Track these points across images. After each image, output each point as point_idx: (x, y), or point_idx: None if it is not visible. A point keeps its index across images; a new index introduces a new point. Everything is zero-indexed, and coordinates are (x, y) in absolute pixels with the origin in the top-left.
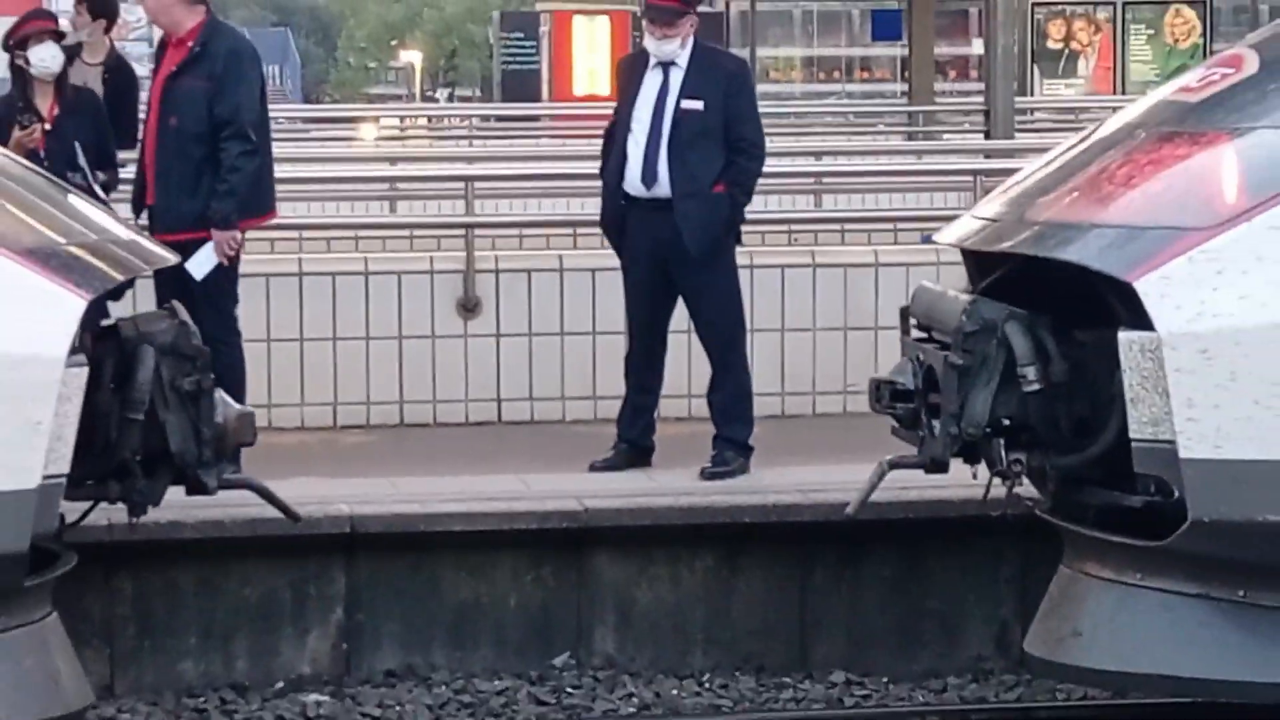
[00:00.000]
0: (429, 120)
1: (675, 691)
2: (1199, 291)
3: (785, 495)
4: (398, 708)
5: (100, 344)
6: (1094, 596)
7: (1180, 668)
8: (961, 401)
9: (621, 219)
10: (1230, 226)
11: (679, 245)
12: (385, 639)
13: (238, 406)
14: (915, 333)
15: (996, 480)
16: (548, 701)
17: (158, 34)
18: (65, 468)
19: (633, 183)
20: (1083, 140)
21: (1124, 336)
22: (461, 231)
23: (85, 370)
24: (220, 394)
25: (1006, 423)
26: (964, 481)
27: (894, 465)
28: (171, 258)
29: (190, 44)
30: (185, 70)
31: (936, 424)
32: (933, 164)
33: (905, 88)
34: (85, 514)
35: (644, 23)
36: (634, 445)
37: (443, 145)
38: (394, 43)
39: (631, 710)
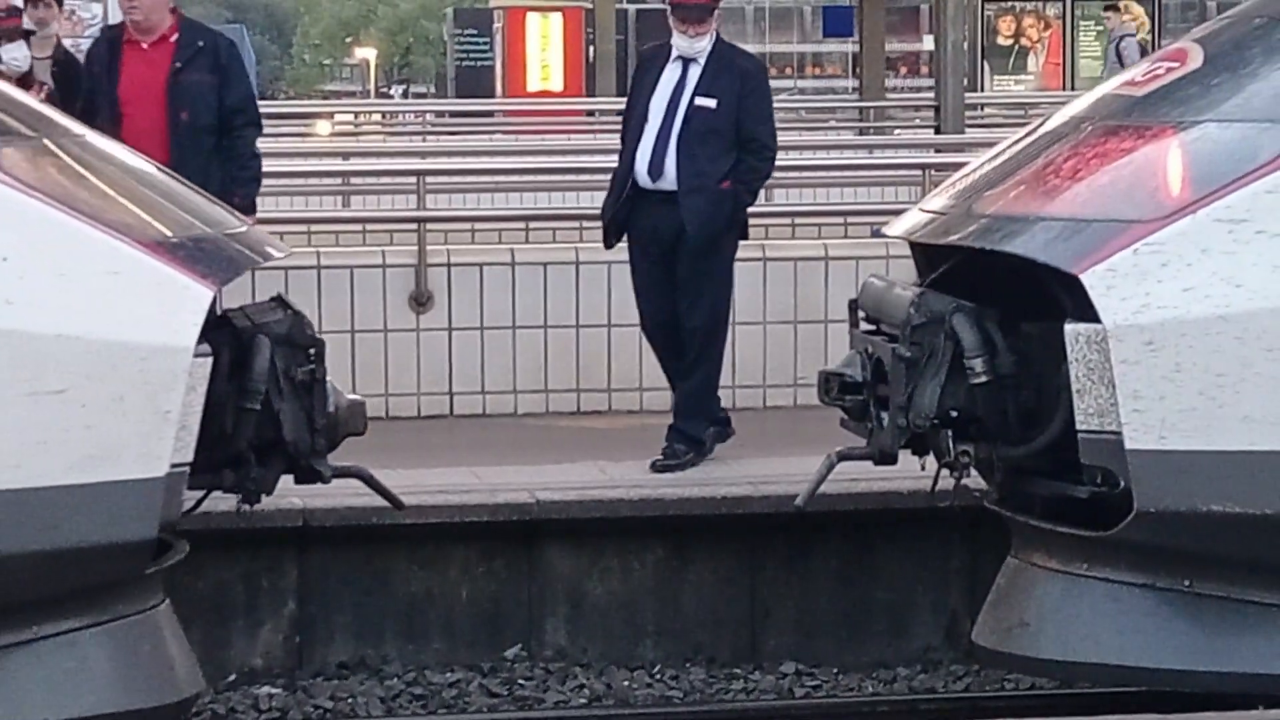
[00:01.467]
0: (383, 116)
1: (626, 683)
2: (1144, 284)
3: (735, 488)
4: (350, 700)
5: (214, 335)
6: (1041, 587)
7: (1126, 657)
8: (909, 393)
9: (628, 210)
10: (1175, 219)
11: (682, 237)
12: (337, 631)
13: (349, 396)
14: (864, 325)
15: (945, 472)
16: (499, 693)
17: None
18: (190, 456)
19: (642, 175)
20: (1029, 134)
21: (1070, 328)
22: (414, 226)
23: (210, 360)
24: (331, 383)
25: (954, 414)
26: (912, 473)
27: (843, 457)
28: (280, 250)
29: (172, 40)
30: (190, 65)
31: (885, 416)
32: (883, 159)
33: (856, 83)
34: (199, 503)
35: (671, 20)
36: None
37: (396, 141)
38: (349, 39)
39: (583, 701)
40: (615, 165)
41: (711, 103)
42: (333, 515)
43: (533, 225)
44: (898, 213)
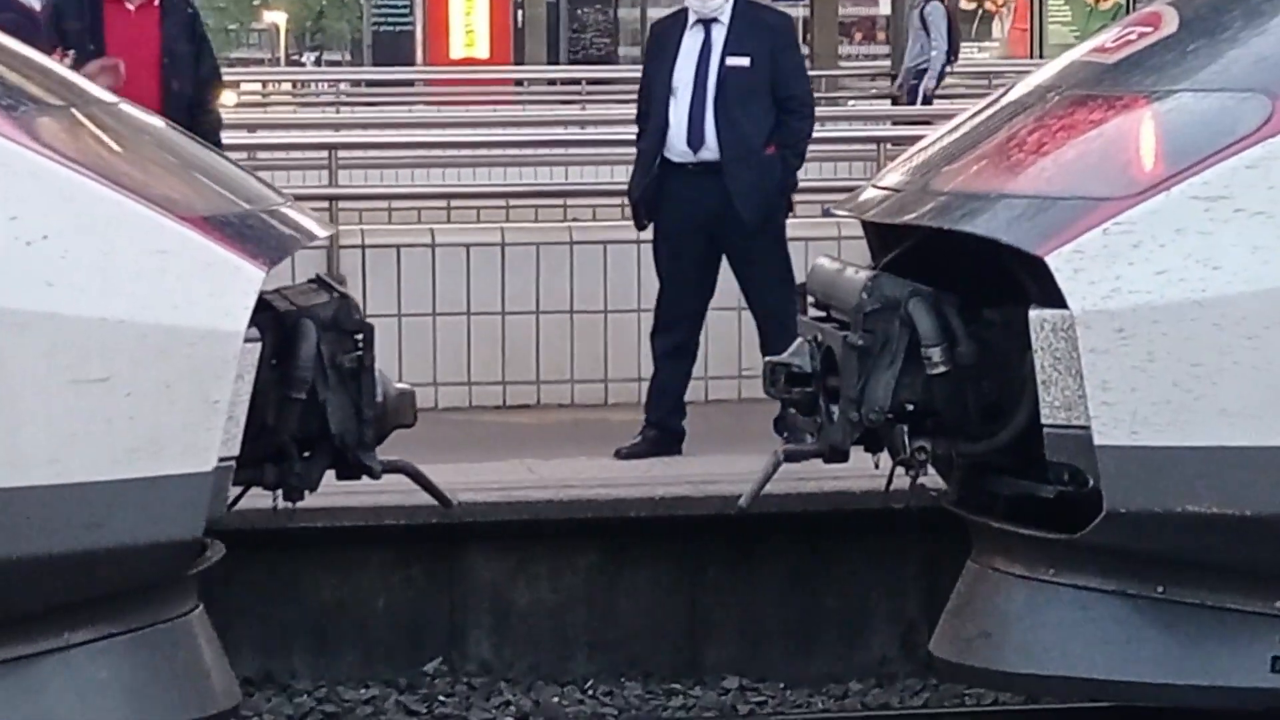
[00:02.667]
0: (293, 86)
1: (556, 699)
2: (1114, 266)
3: (674, 488)
4: (256, 718)
5: (256, 319)
6: (1003, 594)
7: (1095, 669)
8: (862, 385)
9: (656, 189)
10: (1148, 197)
11: (728, 212)
12: (243, 644)
13: (398, 385)
14: (813, 311)
15: (900, 470)
16: (418, 711)
17: None
18: (237, 450)
19: (676, 148)
20: (992, 104)
21: (1035, 315)
22: (325, 204)
23: (259, 346)
24: (380, 372)
25: (910, 408)
26: (865, 471)
27: (789, 455)
28: (324, 228)
29: (156, 4)
30: (179, 34)
31: (835, 409)
32: (835, 131)
33: (807, 50)
34: (236, 500)
35: None
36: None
37: (307, 112)
38: (256, 3)
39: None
40: (590, 137)
41: (745, 61)
42: (236, 517)
43: (455, 204)
44: (850, 190)
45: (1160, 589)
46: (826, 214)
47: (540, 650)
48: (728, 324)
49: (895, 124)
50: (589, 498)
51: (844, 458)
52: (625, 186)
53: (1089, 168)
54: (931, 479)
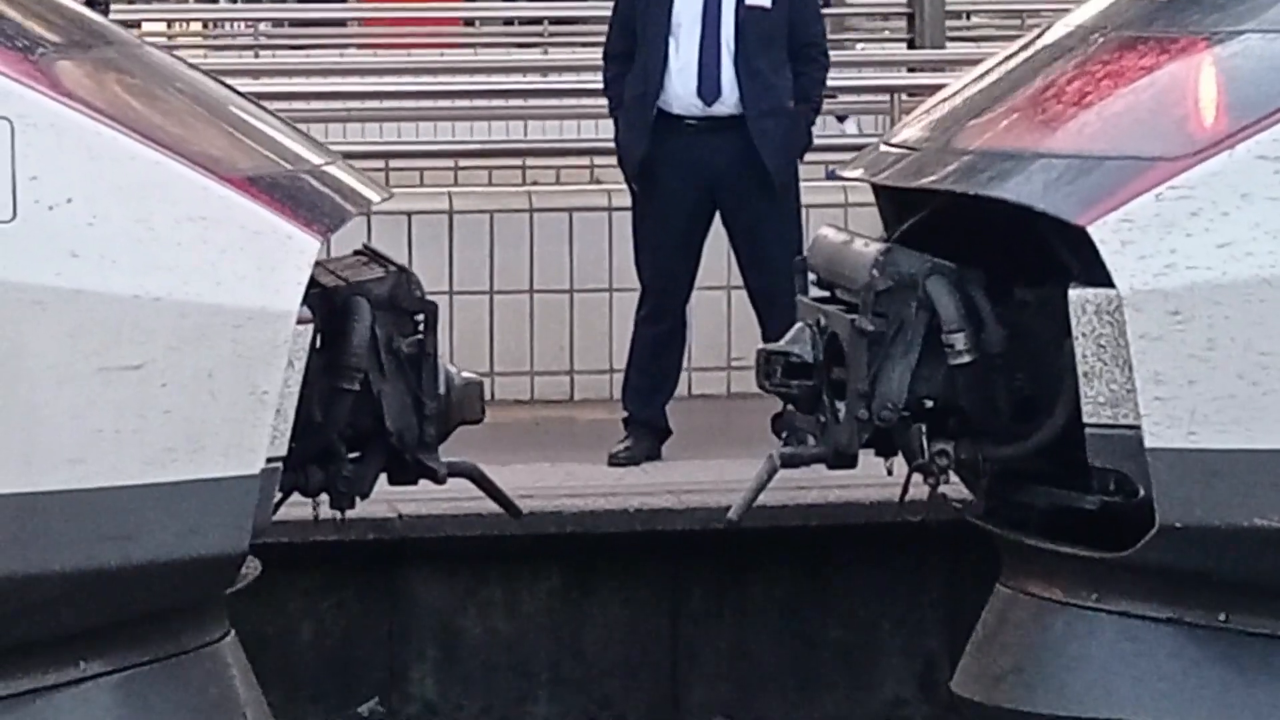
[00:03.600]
0: (204, 26)
1: None
2: (1169, 238)
3: (652, 498)
4: None
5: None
6: (1039, 623)
7: (1146, 710)
8: (873, 377)
9: (648, 146)
10: (1208, 156)
11: (739, 173)
12: None
13: (464, 374)
14: (815, 291)
15: (917, 477)
16: None
17: None
18: (285, 449)
19: (683, 99)
20: (1025, 48)
21: (1076, 294)
22: None
23: (311, 329)
24: (443, 359)
25: (929, 404)
26: (876, 479)
27: (788, 460)
28: (379, 191)
29: None
30: None
31: (841, 406)
32: (843, 79)
33: None
34: (276, 507)
35: None
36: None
37: (220, 57)
38: None
39: None
40: (570, 85)
41: (765, 1)
42: None
43: (394, 164)
44: (859, 148)
45: (1223, 617)
46: (831, 177)
47: (494, 689)
48: (714, 307)
49: (912, 71)
50: (553, 510)
51: (851, 463)
52: (592, 144)
53: (1139, 122)
54: (954, 488)
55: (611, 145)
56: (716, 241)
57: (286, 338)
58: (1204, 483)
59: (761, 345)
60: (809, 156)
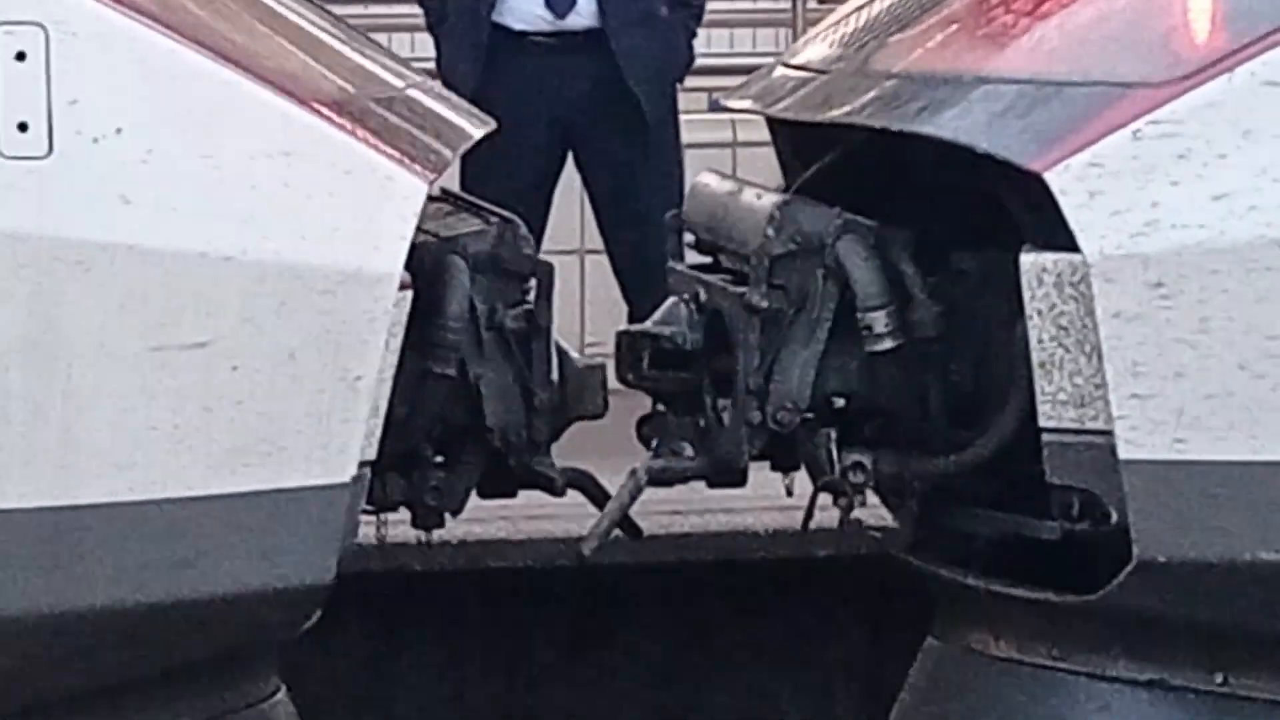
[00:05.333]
0: None
1: None
2: (1150, 187)
3: (481, 525)
4: None
5: None
6: (983, 686)
7: None
8: (767, 369)
9: (484, 71)
10: (1200, 82)
11: (599, 103)
12: None
13: (580, 357)
14: (693, 257)
15: (825, 498)
16: None
17: None
18: (375, 451)
19: (526, 10)
20: None
21: (1029, 260)
22: None
23: (410, 296)
24: (557, 338)
25: (840, 403)
26: (773, 501)
27: (657, 475)
28: (480, 121)
29: None
30: None
31: (726, 405)
32: None
33: None
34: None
35: None
36: None
37: None
38: None
39: None
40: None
41: None
42: None
43: None
44: (752, 70)
45: (1220, 678)
46: (715, 108)
47: None
48: (564, 275)
49: None
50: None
51: (739, 479)
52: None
53: (1110, 38)
54: (873, 511)
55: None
56: (568, 192)
57: (386, 308)
58: (1195, 505)
59: (624, 326)
60: (689, 80)
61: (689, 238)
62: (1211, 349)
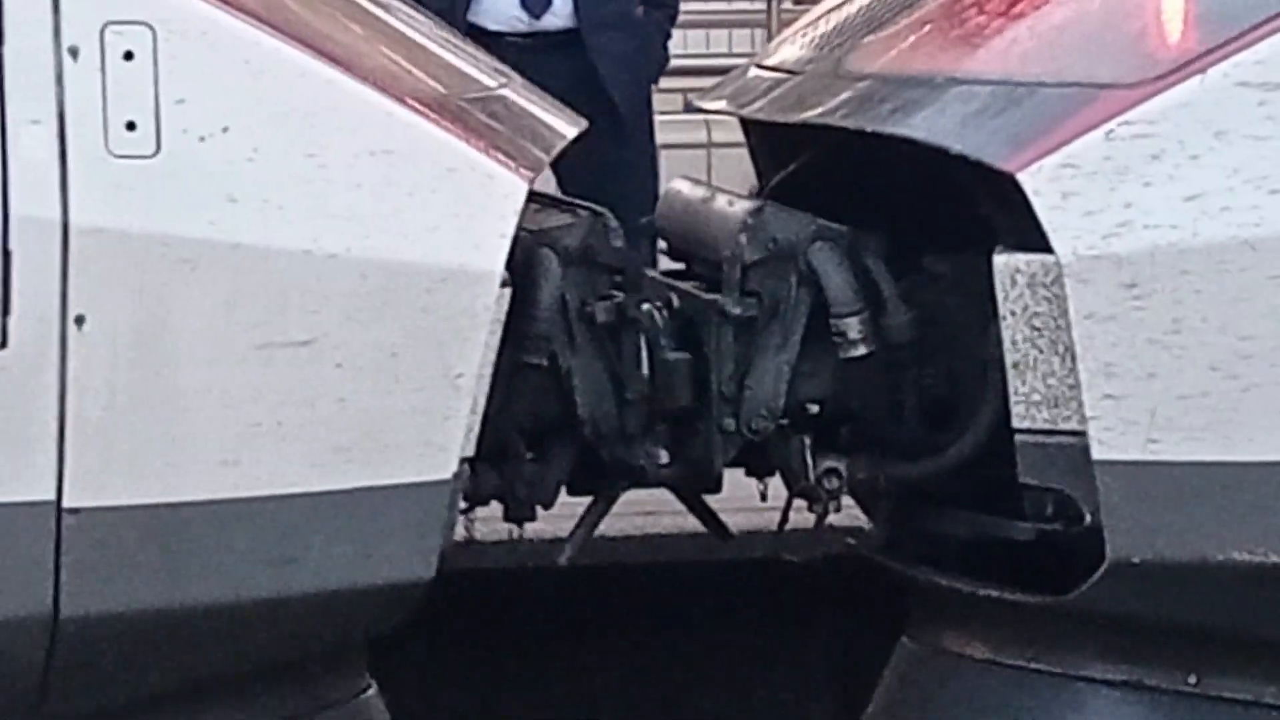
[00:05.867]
0: None
1: None
2: (1123, 188)
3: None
4: None
5: None
6: (957, 687)
7: None
8: (741, 375)
9: None
10: (1173, 83)
11: (574, 103)
12: None
13: (674, 351)
14: (665, 263)
15: (799, 503)
16: None
17: None
18: (473, 447)
19: (502, 11)
20: None
21: (1003, 262)
22: None
23: (509, 294)
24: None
25: (814, 409)
26: (748, 503)
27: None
28: (571, 126)
29: None
30: None
31: (700, 412)
32: None
33: None
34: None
35: None
36: None
37: None
38: None
39: None
40: None
41: None
42: None
43: None
44: (728, 71)
45: (1193, 679)
46: (690, 109)
47: None
48: None
49: None
50: None
51: (714, 485)
52: None
53: (1084, 39)
54: (849, 513)
55: None
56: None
57: (488, 304)
58: (1168, 506)
59: None
60: (665, 81)
61: (662, 244)
62: (1184, 349)
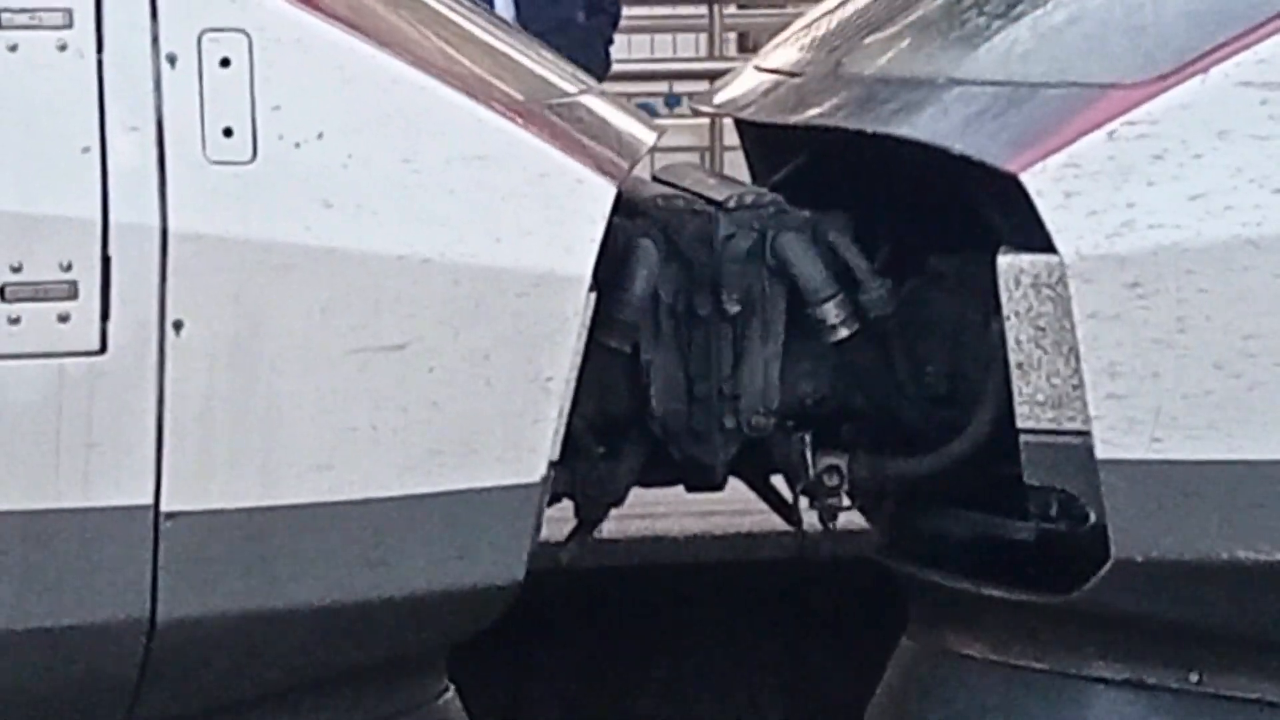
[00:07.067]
0: None
1: None
2: (1126, 188)
3: None
4: None
5: None
6: (960, 687)
7: None
8: (732, 371)
9: None
10: (1175, 82)
11: None
12: None
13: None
14: None
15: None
16: None
17: None
18: (559, 450)
19: None
20: None
21: (1006, 262)
22: None
23: (594, 297)
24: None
25: (814, 403)
26: (736, 503)
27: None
28: (649, 131)
29: None
30: None
31: (696, 411)
32: None
33: None
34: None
35: None
36: None
37: None
38: None
39: None
40: None
41: None
42: None
43: None
44: (675, 76)
45: (1195, 677)
46: (674, 105)
47: None
48: None
49: None
50: None
51: (718, 484)
52: None
53: (1085, 39)
54: (845, 514)
55: None
56: None
57: (577, 309)
58: (1172, 504)
59: None
60: (607, 86)
61: None
62: (1188, 349)
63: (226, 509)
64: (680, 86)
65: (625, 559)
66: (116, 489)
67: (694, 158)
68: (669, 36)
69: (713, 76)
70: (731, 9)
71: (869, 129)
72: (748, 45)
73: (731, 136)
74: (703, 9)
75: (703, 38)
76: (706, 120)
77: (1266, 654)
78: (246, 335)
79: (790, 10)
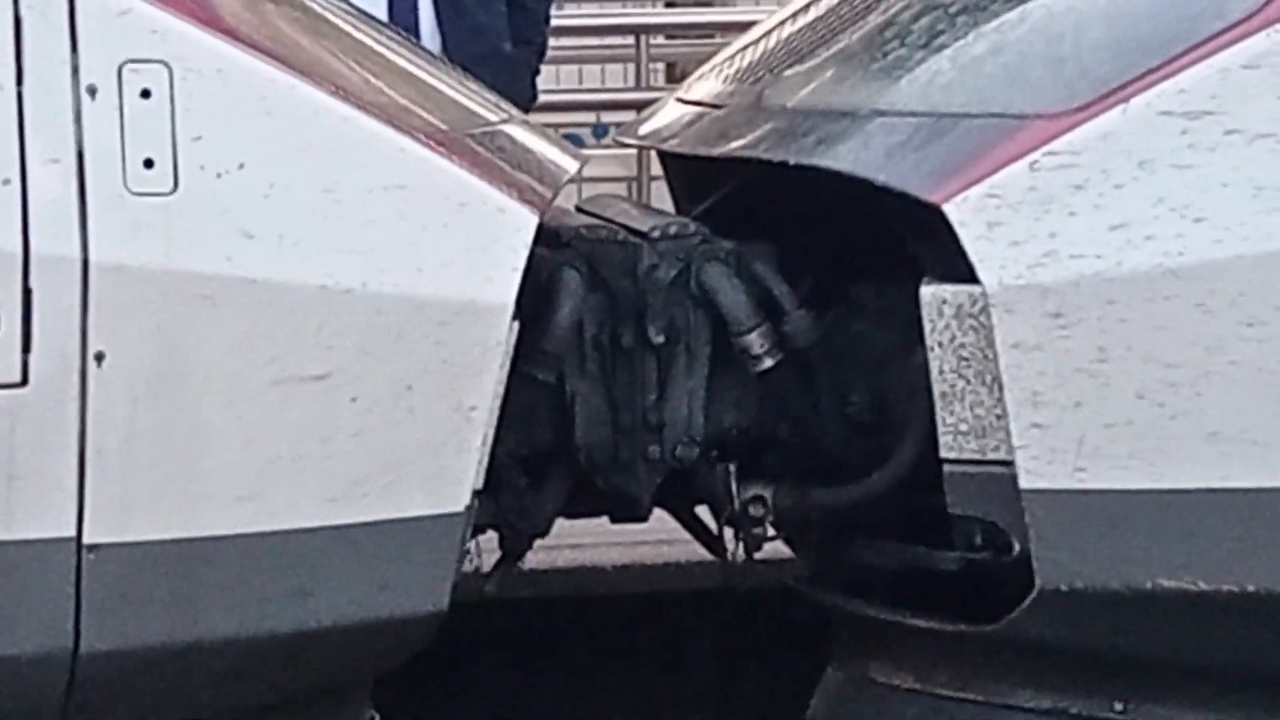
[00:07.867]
0: None
1: None
2: (1048, 218)
3: None
4: None
5: None
6: (883, 716)
7: None
8: (657, 401)
9: None
10: (1096, 113)
11: None
12: None
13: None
14: None
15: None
16: None
17: None
18: (483, 479)
19: None
20: None
21: (929, 292)
22: None
23: (518, 326)
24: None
25: (739, 432)
26: (661, 533)
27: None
28: (571, 160)
29: None
30: None
31: (620, 441)
32: (580, 15)
33: None
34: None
35: None
36: None
37: None
38: None
39: None
40: None
41: None
42: None
43: None
44: (599, 106)
45: (1120, 707)
46: (601, 136)
47: None
48: None
49: (670, 5)
50: None
51: (642, 515)
52: None
53: (1007, 70)
54: (771, 545)
55: None
56: None
57: (500, 338)
58: (1095, 534)
59: None
60: (534, 117)
61: None
62: (1111, 378)
63: (149, 541)
64: (608, 117)
65: (550, 590)
66: (38, 521)
67: (622, 188)
68: (597, 67)
69: (640, 107)
70: (659, 39)
71: (791, 160)
72: (675, 75)
73: (659, 167)
74: (630, 39)
75: (630, 68)
76: (634, 151)
77: (1191, 683)
78: (169, 366)
79: (718, 40)
